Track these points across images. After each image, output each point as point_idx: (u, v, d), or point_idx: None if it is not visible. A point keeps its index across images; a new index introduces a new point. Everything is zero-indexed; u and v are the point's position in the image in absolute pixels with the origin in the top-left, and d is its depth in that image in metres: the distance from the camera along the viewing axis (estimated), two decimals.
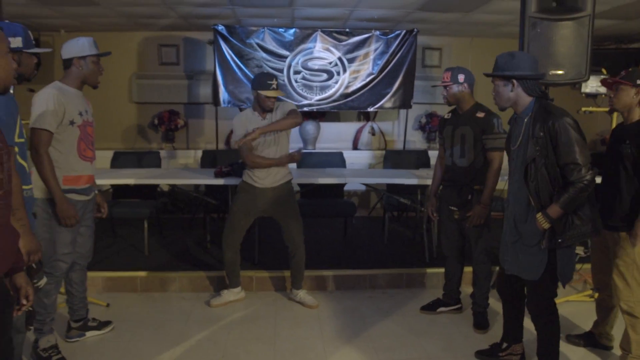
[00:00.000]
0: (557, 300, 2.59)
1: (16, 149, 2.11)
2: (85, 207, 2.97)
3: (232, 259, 3.71)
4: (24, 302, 1.70)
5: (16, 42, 2.19)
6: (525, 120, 2.49)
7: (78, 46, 2.82)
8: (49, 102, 2.68)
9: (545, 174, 2.40)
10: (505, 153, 3.15)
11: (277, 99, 3.58)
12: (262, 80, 3.44)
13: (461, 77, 3.22)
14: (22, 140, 2.20)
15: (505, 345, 2.92)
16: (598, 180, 3.43)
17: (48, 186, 2.69)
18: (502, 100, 2.55)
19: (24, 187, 2.14)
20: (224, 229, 3.72)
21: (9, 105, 2.07)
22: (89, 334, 3.23)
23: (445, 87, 3.28)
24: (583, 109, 3.94)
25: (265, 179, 3.58)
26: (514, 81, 2.48)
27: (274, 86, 3.42)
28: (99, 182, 4.35)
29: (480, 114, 3.22)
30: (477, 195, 3.26)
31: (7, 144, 1.61)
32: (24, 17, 5.36)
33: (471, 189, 3.28)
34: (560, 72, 3.48)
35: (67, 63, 2.82)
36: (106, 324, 3.33)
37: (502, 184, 3.22)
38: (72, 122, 2.78)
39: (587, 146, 2.39)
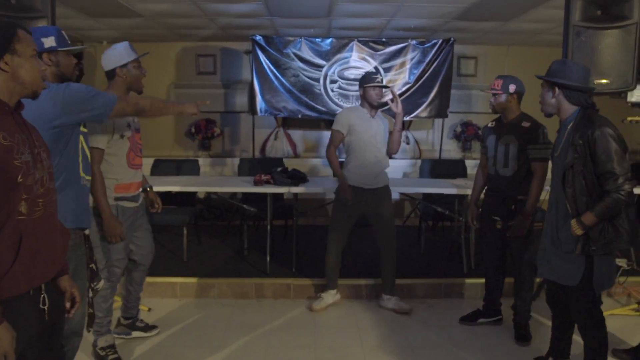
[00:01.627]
0: None
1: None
2: (136, 213, 3.05)
3: (334, 263, 3.82)
4: (67, 305, 1.70)
5: (49, 42, 2.18)
6: (568, 127, 2.51)
7: (117, 55, 2.79)
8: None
9: (582, 181, 2.40)
10: (550, 162, 3.13)
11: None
12: (367, 76, 3.64)
13: (512, 88, 3.19)
14: (85, 130, 2.27)
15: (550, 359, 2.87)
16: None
17: (98, 204, 2.70)
18: (545, 105, 2.59)
19: (86, 177, 2.22)
20: (329, 236, 3.80)
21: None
22: (134, 333, 3.33)
23: (494, 94, 3.25)
24: (629, 118, 3.86)
25: (369, 178, 3.67)
26: (556, 88, 2.51)
27: (379, 79, 3.58)
28: None
29: (526, 124, 3.19)
30: (520, 205, 3.22)
31: (45, 143, 1.63)
32: (68, 29, 5.50)
33: (514, 199, 3.24)
34: (605, 81, 3.42)
35: (111, 74, 2.81)
36: (152, 327, 3.41)
37: (544, 194, 3.20)
38: (122, 136, 2.81)
39: (627, 157, 2.38)
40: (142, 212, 3.14)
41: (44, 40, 2.16)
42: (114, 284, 2.99)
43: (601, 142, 2.34)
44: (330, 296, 3.88)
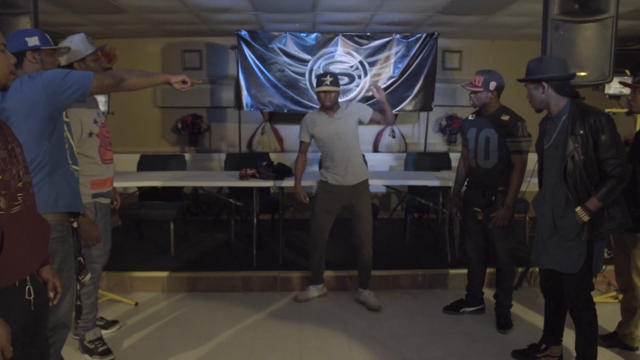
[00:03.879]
0: None
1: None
2: (108, 211, 3.02)
3: (318, 259, 3.88)
4: (51, 295, 1.73)
5: (33, 41, 2.21)
6: (563, 119, 2.58)
7: (73, 49, 2.63)
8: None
9: (584, 169, 2.49)
10: (528, 155, 3.20)
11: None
12: (317, 79, 3.63)
13: (492, 85, 3.21)
14: (67, 120, 2.26)
15: (544, 346, 2.94)
16: None
17: None
18: (536, 102, 2.67)
19: (74, 167, 2.23)
20: (310, 231, 3.86)
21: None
22: None
23: (474, 91, 3.27)
24: (606, 110, 3.94)
25: (344, 177, 3.69)
26: (544, 84, 2.58)
27: (327, 82, 3.54)
28: (126, 184, 4.49)
29: (505, 117, 3.23)
30: (500, 196, 3.29)
31: (17, 138, 1.62)
32: (52, 25, 5.52)
33: (495, 191, 3.30)
34: (583, 73, 3.49)
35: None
36: (113, 323, 3.43)
37: (524, 186, 3.26)
38: (90, 134, 2.74)
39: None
40: (109, 210, 3.09)
41: (27, 39, 2.19)
42: (95, 280, 3.00)
43: (602, 129, 2.44)
44: (317, 290, 3.95)
